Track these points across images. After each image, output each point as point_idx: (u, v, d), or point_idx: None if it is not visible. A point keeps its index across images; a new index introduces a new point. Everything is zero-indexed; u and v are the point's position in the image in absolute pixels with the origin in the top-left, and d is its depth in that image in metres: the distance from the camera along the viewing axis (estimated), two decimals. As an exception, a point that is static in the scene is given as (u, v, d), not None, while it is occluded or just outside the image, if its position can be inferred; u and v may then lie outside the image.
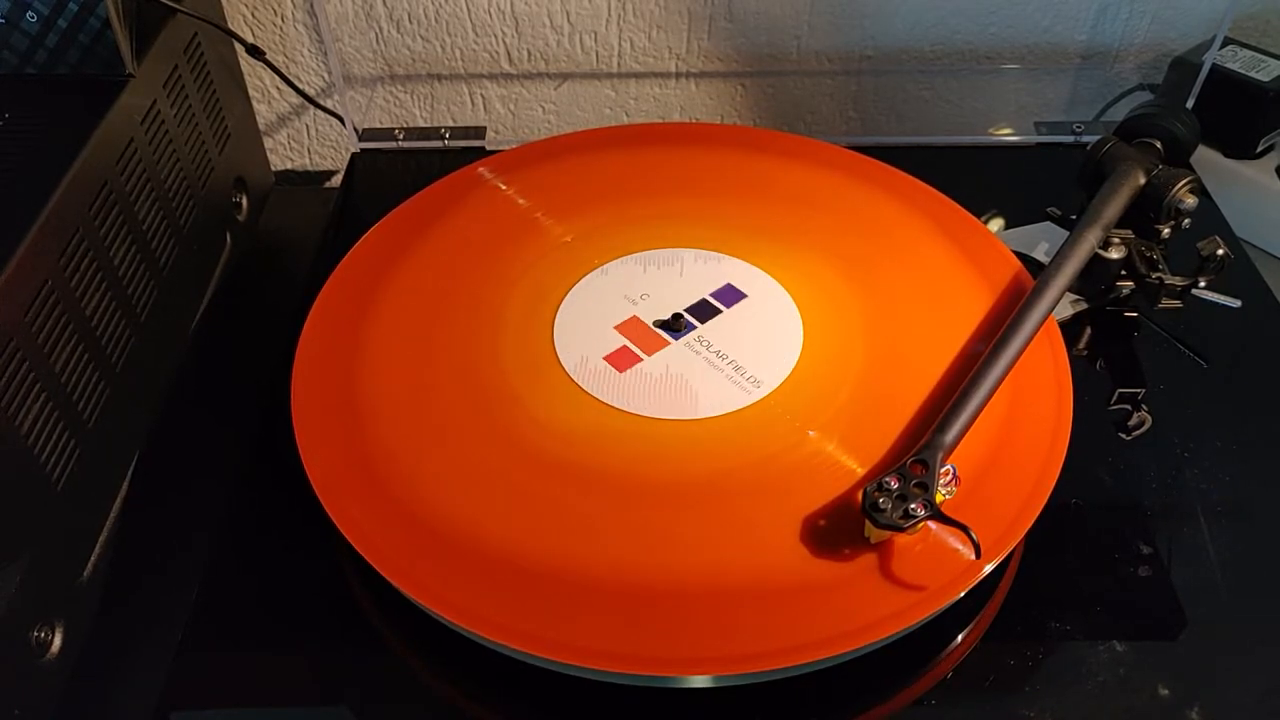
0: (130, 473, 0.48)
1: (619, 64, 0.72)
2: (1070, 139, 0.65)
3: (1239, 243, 0.57)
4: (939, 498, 0.38)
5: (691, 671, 0.37)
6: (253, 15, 0.70)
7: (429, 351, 0.47)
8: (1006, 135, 0.68)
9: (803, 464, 0.42)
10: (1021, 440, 0.43)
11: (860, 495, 0.39)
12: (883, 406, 0.44)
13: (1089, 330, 0.52)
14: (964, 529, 0.37)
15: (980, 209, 0.55)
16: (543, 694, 0.38)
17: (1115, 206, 0.50)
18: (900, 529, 0.37)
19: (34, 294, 0.41)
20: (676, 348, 0.47)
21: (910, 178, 0.56)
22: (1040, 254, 0.54)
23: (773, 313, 0.48)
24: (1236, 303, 0.51)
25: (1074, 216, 0.52)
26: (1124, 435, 0.48)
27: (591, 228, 0.53)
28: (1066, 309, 0.51)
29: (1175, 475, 0.46)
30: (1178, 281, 0.50)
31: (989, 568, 0.38)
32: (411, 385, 0.45)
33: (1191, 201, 0.50)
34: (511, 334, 0.48)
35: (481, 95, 0.74)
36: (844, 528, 0.39)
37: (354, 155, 0.65)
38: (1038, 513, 0.40)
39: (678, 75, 0.73)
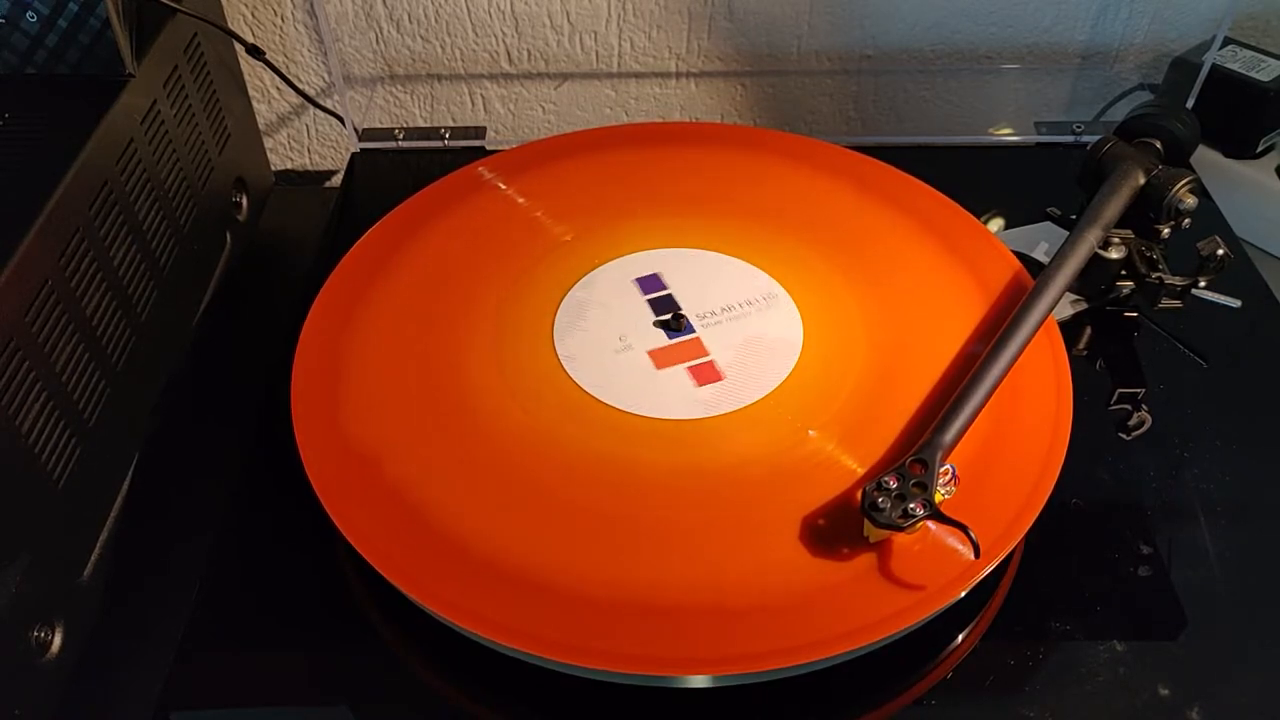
0: (130, 473, 0.48)
1: (619, 64, 0.72)
2: (1070, 139, 0.65)
3: (1239, 243, 0.57)
4: (938, 497, 0.38)
5: (691, 671, 0.37)
6: (253, 15, 0.70)
7: (429, 351, 0.47)
8: (1006, 135, 0.68)
9: (803, 464, 0.42)
10: (1021, 440, 0.43)
11: (859, 495, 0.39)
12: (882, 406, 0.44)
13: (1089, 330, 0.52)
14: (963, 529, 0.37)
15: (980, 209, 0.55)
16: (543, 694, 0.38)
17: (1115, 206, 0.50)
18: (899, 529, 0.37)
19: (34, 293, 0.41)
20: (707, 333, 0.47)
21: (910, 178, 0.56)
22: (1040, 254, 0.54)
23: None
24: (1236, 303, 0.51)
25: (1074, 216, 0.52)
26: (1124, 435, 0.48)
27: (591, 227, 0.53)
28: (1066, 309, 0.51)
29: (1175, 475, 0.46)
30: (1178, 281, 0.50)
31: (989, 568, 0.38)
32: (411, 385, 0.45)
33: (1191, 201, 0.50)
34: (511, 334, 0.48)
35: (481, 95, 0.74)
36: (843, 527, 0.39)
37: (354, 155, 0.65)
38: (1038, 513, 0.40)
39: (678, 75, 0.73)
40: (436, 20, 0.70)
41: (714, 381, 0.45)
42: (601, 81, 0.73)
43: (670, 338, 0.47)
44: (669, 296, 0.49)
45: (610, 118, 0.75)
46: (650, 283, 0.50)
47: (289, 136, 0.76)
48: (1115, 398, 0.49)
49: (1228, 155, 0.65)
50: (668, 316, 0.48)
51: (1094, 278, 0.50)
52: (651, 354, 0.47)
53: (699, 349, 0.47)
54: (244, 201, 0.63)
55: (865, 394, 0.45)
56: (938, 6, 0.69)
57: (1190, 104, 0.63)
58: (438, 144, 0.66)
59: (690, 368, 0.46)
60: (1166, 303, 0.50)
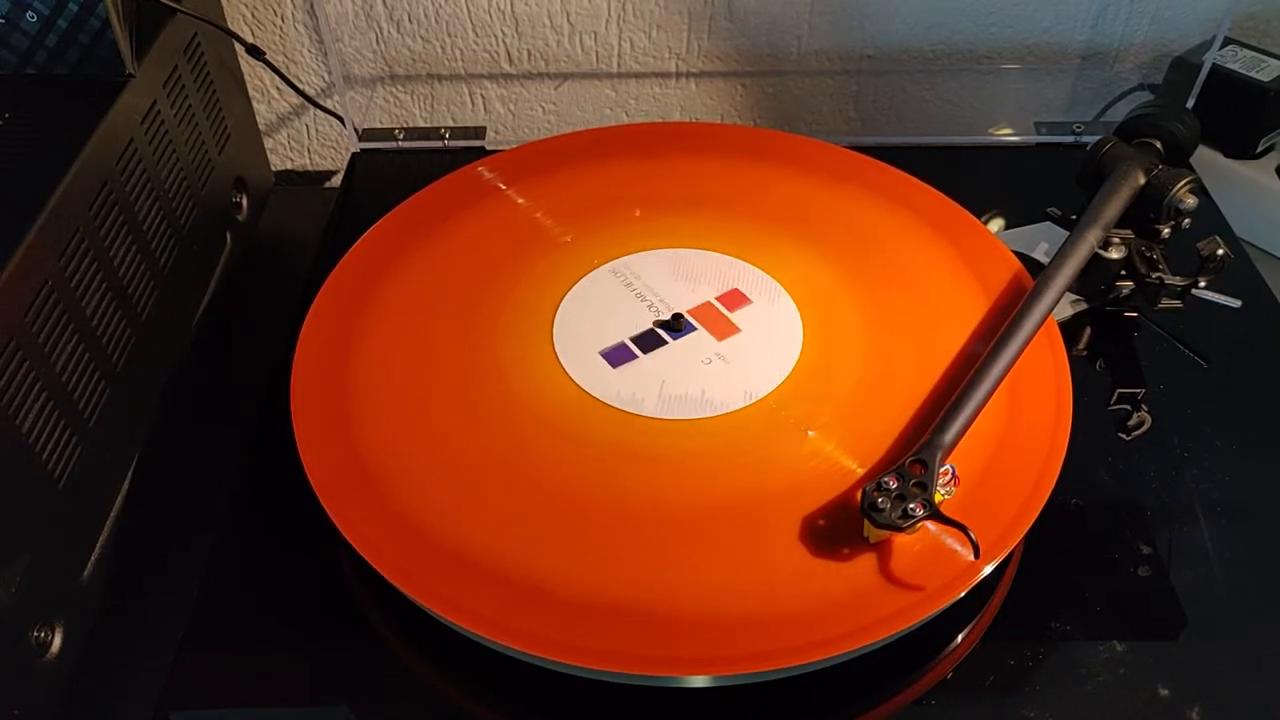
0: (131, 472, 0.48)
1: (619, 64, 0.72)
2: (1070, 139, 0.65)
3: (1239, 243, 0.57)
4: (938, 497, 0.38)
5: (691, 671, 0.37)
6: (253, 15, 0.70)
7: (428, 352, 0.47)
8: (1006, 135, 0.68)
9: (802, 464, 0.42)
10: (1021, 440, 0.43)
11: (859, 495, 0.39)
12: (882, 406, 0.44)
13: (1089, 330, 0.52)
14: (963, 529, 0.37)
15: (980, 209, 0.55)
16: (543, 694, 0.38)
17: (1115, 206, 0.50)
18: (899, 529, 0.37)
19: (34, 294, 0.41)
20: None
21: (910, 178, 0.56)
22: (1040, 254, 0.54)
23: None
24: (1236, 303, 0.51)
25: (1074, 216, 0.52)
26: (1124, 435, 0.48)
27: (591, 227, 0.53)
28: (1066, 309, 0.51)
29: (1175, 475, 0.46)
30: (1178, 281, 0.50)
31: (989, 568, 0.38)
32: (411, 385, 0.45)
33: (1191, 201, 0.50)
34: (511, 334, 0.48)
35: (481, 95, 0.74)
36: (843, 528, 0.39)
37: (354, 155, 0.65)
38: (1038, 513, 0.40)
39: (678, 75, 0.73)
40: (436, 20, 0.70)
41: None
42: (601, 81, 0.73)
43: (670, 338, 0.47)
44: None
45: (610, 118, 0.75)
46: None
47: (289, 136, 0.76)
48: (1115, 398, 0.49)
49: (1228, 155, 0.65)
50: (668, 317, 0.48)
51: (1094, 278, 0.50)
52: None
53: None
54: (244, 201, 0.63)
55: (865, 394, 0.45)
56: (938, 6, 0.69)
57: (1190, 104, 0.63)
58: (438, 144, 0.66)
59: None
60: (1166, 303, 0.50)
